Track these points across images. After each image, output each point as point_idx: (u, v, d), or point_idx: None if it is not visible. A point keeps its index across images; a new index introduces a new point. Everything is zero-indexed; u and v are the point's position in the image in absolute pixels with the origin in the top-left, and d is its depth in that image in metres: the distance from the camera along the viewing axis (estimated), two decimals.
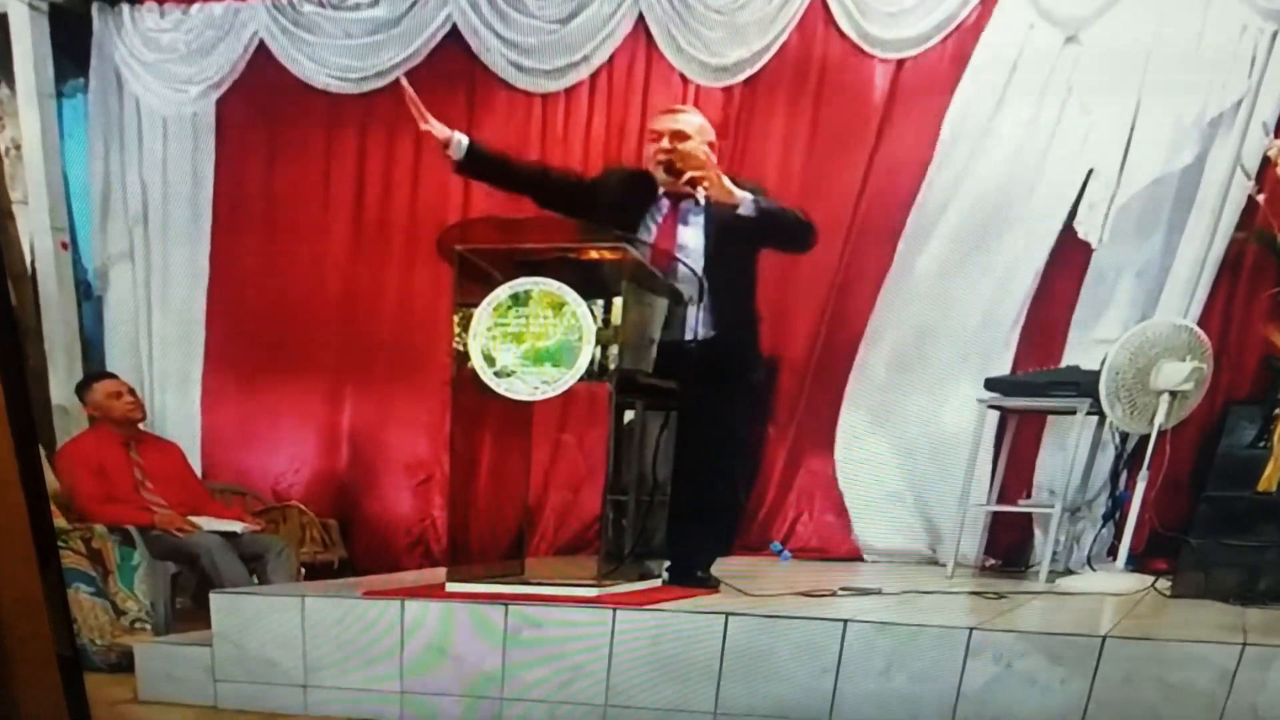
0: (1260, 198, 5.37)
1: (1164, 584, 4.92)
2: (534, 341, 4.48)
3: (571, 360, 4.45)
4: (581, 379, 4.46)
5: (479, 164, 4.99)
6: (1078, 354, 5.61)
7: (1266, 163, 5.34)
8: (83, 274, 6.76)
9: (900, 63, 5.91)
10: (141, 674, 4.65)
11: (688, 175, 4.69)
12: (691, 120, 4.92)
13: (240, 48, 6.60)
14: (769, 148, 6.07)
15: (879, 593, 4.78)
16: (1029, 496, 5.74)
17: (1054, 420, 5.72)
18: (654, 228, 4.87)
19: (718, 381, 4.76)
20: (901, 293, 5.92)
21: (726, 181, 4.70)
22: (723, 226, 4.78)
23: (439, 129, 4.92)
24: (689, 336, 4.81)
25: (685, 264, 4.75)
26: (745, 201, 4.73)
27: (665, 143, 4.81)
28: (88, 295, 6.75)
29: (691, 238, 4.82)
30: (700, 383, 4.75)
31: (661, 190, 4.85)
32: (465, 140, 4.90)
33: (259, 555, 5.56)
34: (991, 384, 5.47)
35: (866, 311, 5.97)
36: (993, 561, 5.84)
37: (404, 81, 4.99)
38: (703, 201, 4.79)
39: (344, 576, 6.04)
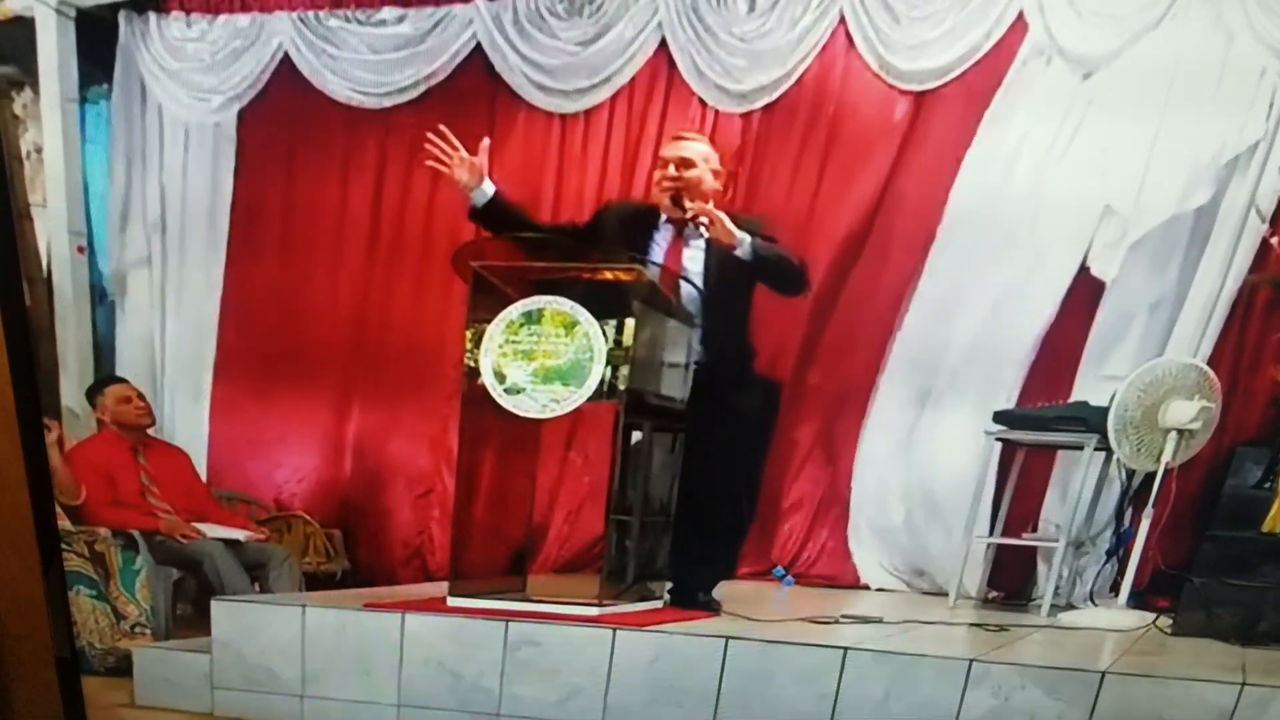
0: (1274, 240, 5.38)
1: (1165, 621, 4.90)
2: (545, 360, 4.49)
3: (582, 379, 4.45)
4: (591, 399, 4.47)
5: (495, 214, 4.95)
6: (1087, 389, 5.60)
7: None
8: (97, 278, 6.79)
9: (920, 95, 5.92)
10: (139, 678, 4.65)
11: (691, 211, 4.71)
12: (698, 148, 4.93)
13: (264, 60, 6.64)
14: (786, 175, 6.08)
15: (880, 621, 4.77)
16: (1034, 530, 5.74)
17: (1061, 455, 5.72)
18: (659, 255, 4.88)
19: (708, 406, 4.77)
20: (912, 323, 5.92)
21: (728, 222, 4.71)
22: (719, 260, 4.79)
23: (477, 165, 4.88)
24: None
25: (691, 282, 4.76)
26: (743, 244, 4.74)
27: (672, 170, 4.83)
28: (101, 299, 6.78)
29: (694, 262, 4.84)
30: (693, 406, 4.78)
31: (665, 217, 4.87)
32: (491, 189, 4.88)
33: (262, 564, 5.57)
34: (1000, 417, 5.48)
35: (877, 340, 5.98)
36: (995, 594, 5.83)
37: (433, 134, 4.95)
38: (704, 230, 4.80)
39: (347, 587, 6.04)
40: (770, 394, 5.43)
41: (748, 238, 4.72)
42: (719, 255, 4.78)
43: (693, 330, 4.78)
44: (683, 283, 4.78)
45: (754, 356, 5.06)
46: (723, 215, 4.70)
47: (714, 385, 4.78)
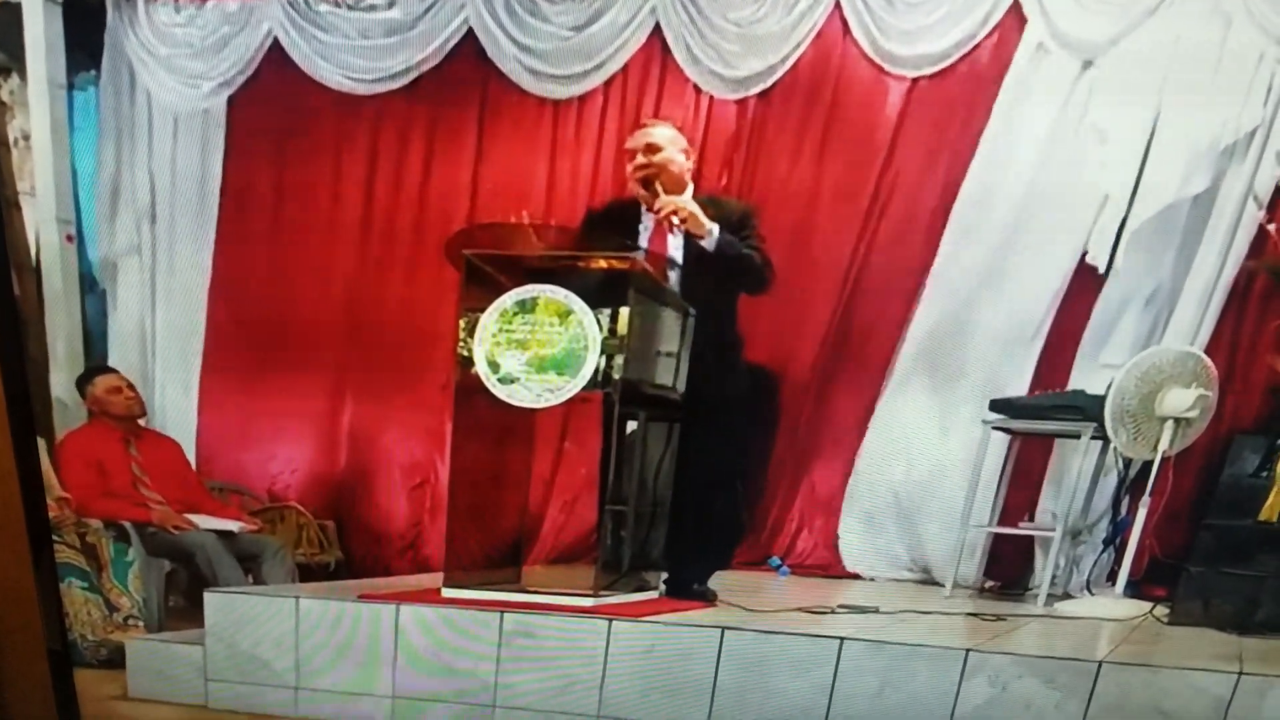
0: (1271, 227, 5.36)
1: (1162, 611, 4.90)
2: (539, 349, 4.48)
3: (576, 369, 4.45)
4: (586, 388, 4.46)
5: None
6: (1084, 378, 5.58)
7: (1279, 192, 5.33)
8: (87, 267, 6.74)
9: (916, 81, 5.89)
10: (132, 671, 4.64)
11: (660, 204, 4.72)
12: (662, 132, 4.99)
13: (254, 45, 6.57)
14: (782, 162, 6.04)
15: (876, 611, 4.77)
16: (1031, 519, 5.73)
17: (1058, 443, 5.70)
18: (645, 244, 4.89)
19: (703, 396, 4.78)
20: (910, 311, 5.89)
21: (699, 213, 4.71)
22: (695, 249, 4.81)
23: None
24: None
25: (677, 264, 4.77)
26: (710, 235, 4.75)
27: (640, 158, 4.86)
28: (91, 288, 6.73)
29: (677, 251, 4.85)
30: (688, 396, 4.78)
31: (645, 207, 4.88)
32: None
33: (255, 555, 5.54)
34: (997, 406, 5.47)
35: (873, 328, 5.95)
36: (992, 583, 5.82)
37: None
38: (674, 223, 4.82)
39: (340, 578, 6.02)
40: (765, 383, 5.42)
41: (716, 229, 4.74)
42: (694, 245, 4.80)
43: (688, 319, 4.78)
44: (676, 264, 4.80)
45: (742, 345, 5.06)
46: (690, 206, 4.72)
47: (702, 374, 4.79)
